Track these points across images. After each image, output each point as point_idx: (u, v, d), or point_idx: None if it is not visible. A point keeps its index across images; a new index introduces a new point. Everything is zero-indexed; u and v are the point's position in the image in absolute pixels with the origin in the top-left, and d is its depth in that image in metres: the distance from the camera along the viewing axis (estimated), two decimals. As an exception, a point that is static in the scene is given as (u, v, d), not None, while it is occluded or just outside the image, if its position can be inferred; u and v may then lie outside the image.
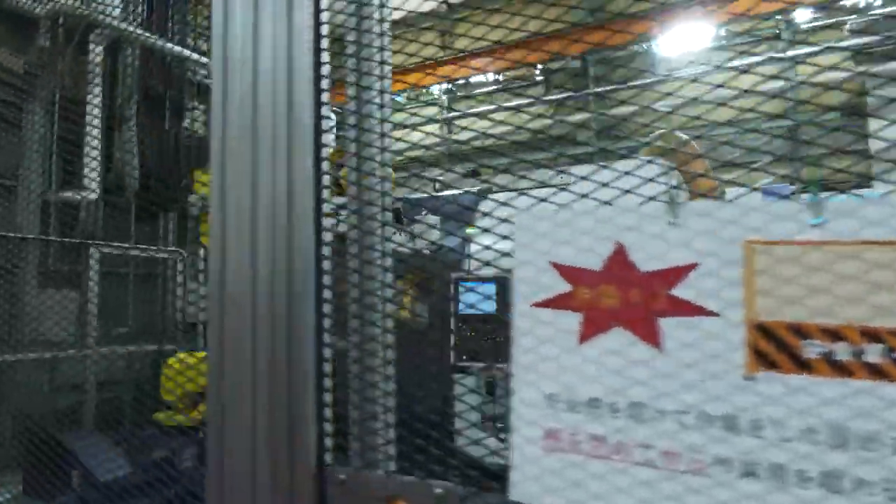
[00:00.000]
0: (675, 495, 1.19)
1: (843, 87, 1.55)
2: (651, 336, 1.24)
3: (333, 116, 1.90)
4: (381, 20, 1.92)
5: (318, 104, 1.65)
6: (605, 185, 1.38)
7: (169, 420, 5.68)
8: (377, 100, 1.90)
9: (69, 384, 7.41)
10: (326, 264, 1.62)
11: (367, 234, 1.83)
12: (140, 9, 9.07)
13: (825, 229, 1.12)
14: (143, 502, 4.67)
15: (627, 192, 1.36)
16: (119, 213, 8.81)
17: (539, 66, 15.94)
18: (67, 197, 8.17)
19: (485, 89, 17.12)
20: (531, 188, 1.76)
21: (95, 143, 8.11)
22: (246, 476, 1.60)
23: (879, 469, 1.06)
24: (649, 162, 1.41)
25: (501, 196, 1.57)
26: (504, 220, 1.53)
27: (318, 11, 1.67)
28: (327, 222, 1.64)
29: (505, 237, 1.57)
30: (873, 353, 1.07)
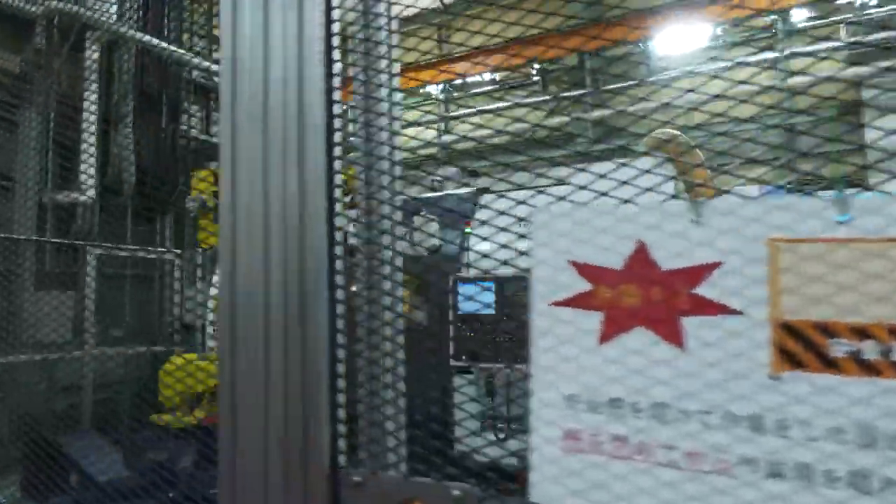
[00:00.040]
0: (700, 496, 1.18)
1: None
2: (673, 335, 1.23)
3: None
4: (389, 16, 1.90)
5: (330, 103, 1.63)
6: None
7: (176, 422, 5.66)
8: (385, 97, 1.89)
9: (66, 386, 7.39)
10: (339, 264, 1.60)
11: (375, 231, 1.81)
12: (136, 9, 9.04)
13: (851, 226, 1.11)
14: (140, 504, 4.66)
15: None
16: (115, 215, 8.78)
17: (537, 66, 15.95)
18: (64, 198, 8.13)
19: (482, 89, 17.12)
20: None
21: (91, 144, 8.08)
22: (258, 477, 1.58)
23: (908, 469, 1.05)
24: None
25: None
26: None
27: (329, 9, 1.66)
28: (340, 221, 1.62)
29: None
30: (902, 352, 1.06)
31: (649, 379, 1.24)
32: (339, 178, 1.62)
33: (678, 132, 6.68)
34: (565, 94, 15.36)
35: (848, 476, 1.08)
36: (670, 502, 1.21)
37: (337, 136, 1.63)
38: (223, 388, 1.66)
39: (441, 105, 17.39)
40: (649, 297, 1.25)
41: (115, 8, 8.61)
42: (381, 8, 1.85)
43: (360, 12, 1.86)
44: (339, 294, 1.60)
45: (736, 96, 1.45)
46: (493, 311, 6.21)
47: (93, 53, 8.33)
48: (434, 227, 7.17)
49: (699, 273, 1.21)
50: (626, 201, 1.34)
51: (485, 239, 1.69)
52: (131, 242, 8.75)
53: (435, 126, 16.83)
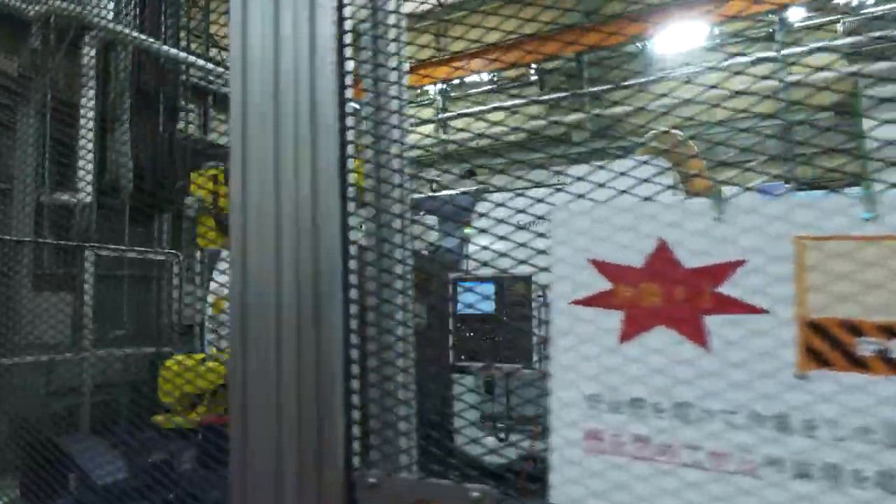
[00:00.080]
0: (725, 496, 1.17)
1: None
2: (697, 334, 1.21)
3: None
4: (398, 12, 1.88)
5: (342, 102, 1.62)
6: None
7: (167, 422, 5.64)
8: (394, 94, 1.87)
9: (66, 387, 7.36)
10: (353, 264, 1.59)
11: (385, 229, 1.79)
12: (133, 10, 9.02)
13: (879, 223, 1.09)
14: (140, 506, 4.64)
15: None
16: (113, 216, 8.76)
17: (534, 66, 15.95)
18: (61, 199, 8.11)
19: (480, 89, 17.12)
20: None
21: (89, 145, 8.05)
22: (271, 478, 1.57)
23: (938, 468, 1.04)
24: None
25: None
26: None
27: (341, 7, 1.64)
28: (354, 221, 1.60)
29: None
30: (931, 350, 1.05)
31: (672, 378, 1.23)
32: (352, 177, 1.61)
33: (675, 130, 6.69)
34: (564, 94, 15.36)
35: (876, 476, 1.07)
36: (694, 503, 1.19)
37: (350, 135, 1.61)
38: (234, 388, 1.64)
39: (444, 102, 17.39)
40: (671, 296, 1.24)
41: (111, 6, 8.59)
42: (391, 5, 1.84)
43: (369, 10, 1.85)
44: (353, 294, 1.58)
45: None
46: (492, 311, 6.20)
47: (90, 53, 8.31)
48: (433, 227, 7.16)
49: (723, 271, 1.20)
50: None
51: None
52: (129, 243, 8.72)
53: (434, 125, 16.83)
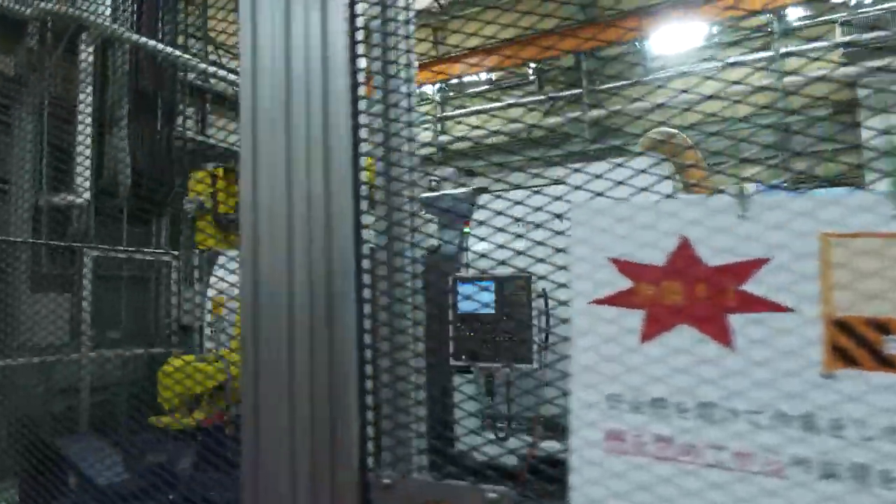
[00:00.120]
0: (750, 497, 1.15)
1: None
2: (720, 333, 1.20)
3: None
4: (407, 8, 1.87)
5: (355, 101, 1.60)
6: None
7: (173, 423, 5.62)
8: (404, 91, 1.85)
9: (63, 388, 7.34)
10: (367, 263, 1.57)
11: (395, 227, 1.77)
12: (130, 9, 8.99)
13: (905, 220, 1.08)
14: (139, 507, 4.62)
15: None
16: (111, 217, 8.73)
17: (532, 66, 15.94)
18: (59, 200, 8.08)
19: (478, 89, 17.11)
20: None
21: (86, 145, 8.03)
22: (284, 478, 1.55)
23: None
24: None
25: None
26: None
27: (353, 3, 1.63)
28: (367, 219, 1.59)
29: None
30: (959, 349, 1.04)
31: (695, 378, 1.21)
32: (364, 175, 1.60)
33: (674, 130, 6.68)
34: (564, 94, 15.35)
35: (905, 476, 1.06)
36: (718, 504, 1.18)
37: (363, 133, 1.60)
38: (246, 389, 1.63)
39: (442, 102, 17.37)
40: (694, 294, 1.22)
41: (108, 4, 8.55)
42: (402, 2, 1.82)
43: (379, 6, 1.83)
44: (367, 294, 1.57)
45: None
46: (492, 311, 6.18)
47: (87, 53, 8.28)
48: (433, 227, 7.14)
49: (746, 269, 1.18)
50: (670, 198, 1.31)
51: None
52: (127, 244, 8.70)
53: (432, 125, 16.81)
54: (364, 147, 1.60)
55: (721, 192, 1.25)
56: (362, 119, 1.62)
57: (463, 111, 16.25)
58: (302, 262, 1.57)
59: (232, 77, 9.82)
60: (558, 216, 1.49)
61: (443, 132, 16.74)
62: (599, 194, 1.39)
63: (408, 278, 1.74)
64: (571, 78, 15.63)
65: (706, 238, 1.22)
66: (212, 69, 9.83)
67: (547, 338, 5.63)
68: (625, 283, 1.30)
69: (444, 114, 17.05)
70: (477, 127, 13.37)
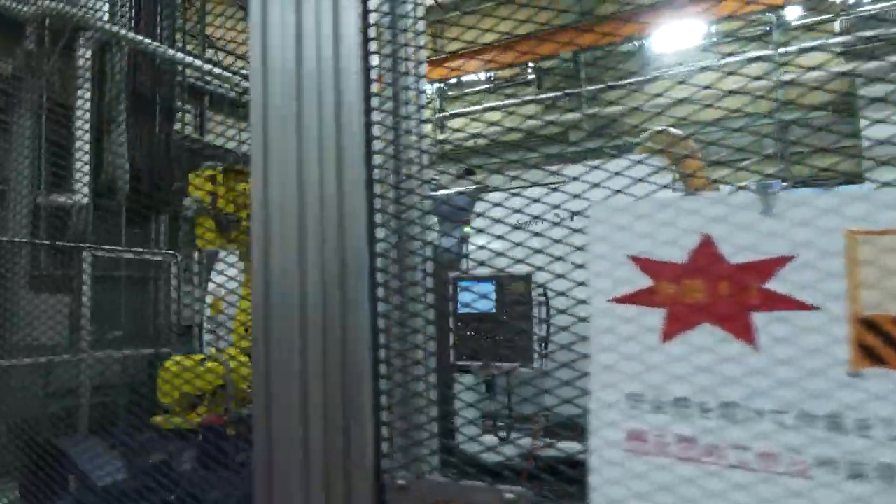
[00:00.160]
0: (774, 498, 1.14)
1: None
2: (743, 332, 1.18)
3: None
4: (417, 4, 1.85)
5: (368, 101, 1.59)
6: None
7: (166, 423, 5.60)
8: (413, 88, 1.83)
9: (64, 389, 7.31)
10: (380, 262, 1.56)
11: (406, 225, 1.75)
12: (128, 10, 8.96)
13: (935, 217, 1.07)
14: (140, 507, 4.60)
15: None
16: (110, 217, 8.71)
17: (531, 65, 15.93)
18: (58, 201, 8.05)
19: (477, 88, 17.10)
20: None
21: (85, 146, 8.00)
22: (297, 478, 1.54)
23: None
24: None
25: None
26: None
27: (365, 5, 1.61)
28: (380, 218, 1.57)
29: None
30: None
31: (718, 377, 1.20)
32: (378, 173, 1.58)
33: (675, 129, 6.67)
34: (567, 92, 15.35)
35: (934, 476, 1.04)
36: (742, 505, 1.16)
37: (376, 130, 1.58)
38: (258, 389, 1.61)
39: (441, 102, 17.34)
40: (716, 292, 1.21)
41: (105, 7, 8.53)
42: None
43: (389, 3, 1.81)
44: (381, 293, 1.55)
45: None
46: (493, 310, 6.17)
47: (85, 54, 8.25)
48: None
49: (770, 267, 1.17)
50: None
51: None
52: (126, 244, 8.67)
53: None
54: (377, 145, 1.58)
55: (742, 187, 1.24)
56: (374, 116, 1.60)
57: (462, 111, 16.24)
58: (315, 261, 1.55)
59: (231, 77, 9.80)
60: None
61: (441, 132, 16.73)
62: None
63: (420, 277, 1.72)
64: (571, 82, 15.63)
65: (728, 235, 1.21)
66: (210, 68, 9.81)
67: (548, 337, 5.62)
68: (645, 282, 1.28)
69: (444, 113, 17.03)
70: (477, 130, 13.35)
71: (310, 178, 1.59)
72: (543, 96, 15.51)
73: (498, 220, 1.55)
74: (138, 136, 9.03)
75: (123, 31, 8.48)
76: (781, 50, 12.93)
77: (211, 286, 7.39)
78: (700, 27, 13.51)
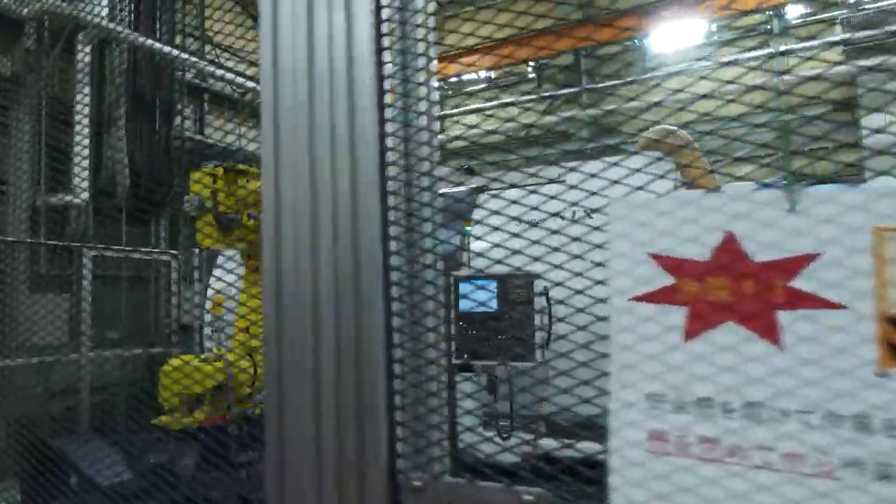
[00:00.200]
0: (800, 499, 1.12)
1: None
2: (768, 331, 1.16)
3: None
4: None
5: (381, 102, 1.57)
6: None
7: (176, 424, 5.58)
8: (423, 86, 1.81)
9: (63, 388, 7.29)
10: (395, 260, 1.54)
11: (420, 224, 1.73)
12: (127, 8, 8.94)
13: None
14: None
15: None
16: (110, 217, 8.69)
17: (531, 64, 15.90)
18: (57, 200, 8.03)
19: (477, 87, 17.07)
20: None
21: (84, 145, 7.98)
22: (310, 480, 1.52)
23: None
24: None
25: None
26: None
27: (378, 7, 1.59)
28: (394, 215, 1.55)
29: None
30: None
31: (741, 377, 1.18)
32: (392, 171, 1.56)
33: (673, 127, 6.66)
34: (564, 91, 15.33)
35: (965, 477, 1.03)
36: (767, 506, 1.14)
37: (389, 127, 1.56)
38: (270, 389, 1.60)
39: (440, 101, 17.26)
40: (740, 291, 1.19)
41: (105, 4, 8.51)
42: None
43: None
44: (396, 291, 1.53)
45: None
46: (494, 310, 6.15)
47: (84, 53, 8.22)
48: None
49: (796, 264, 1.15)
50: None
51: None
52: (126, 244, 8.65)
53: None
54: (390, 142, 1.57)
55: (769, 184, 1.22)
56: (388, 113, 1.58)
57: (461, 110, 16.20)
58: (328, 261, 1.54)
59: (231, 76, 9.78)
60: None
61: (441, 130, 16.67)
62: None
63: (432, 276, 1.70)
64: (570, 77, 15.60)
65: (752, 233, 1.19)
66: (210, 68, 9.79)
67: (549, 335, 5.61)
68: (666, 279, 1.26)
69: (442, 112, 16.99)
70: (474, 126, 13.32)
71: (322, 177, 1.57)
72: (544, 95, 15.47)
73: (516, 218, 1.53)
74: (138, 136, 9.01)
75: (122, 30, 8.45)
76: (782, 48, 12.90)
77: (211, 286, 7.38)
78: (700, 26, 13.49)
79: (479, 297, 5.52)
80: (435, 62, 1.83)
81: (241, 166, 5.29)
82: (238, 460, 4.94)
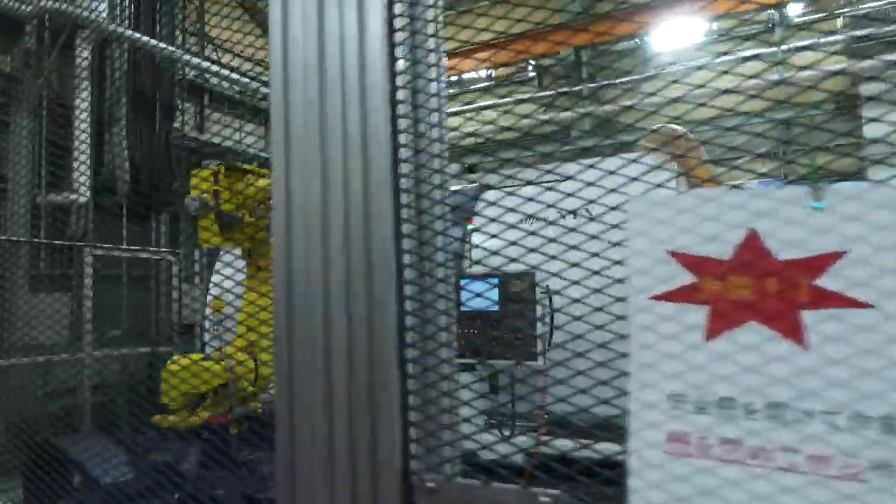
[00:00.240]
0: (826, 502, 1.10)
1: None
2: (792, 330, 1.14)
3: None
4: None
5: (394, 95, 1.55)
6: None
7: (181, 422, 5.57)
8: (433, 84, 1.79)
9: (64, 388, 7.27)
10: (408, 258, 1.52)
11: (432, 222, 1.71)
12: (127, 7, 8.92)
13: None
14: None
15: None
16: (110, 216, 8.67)
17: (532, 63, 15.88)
18: (57, 200, 8.01)
19: (477, 86, 17.05)
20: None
21: (85, 144, 7.96)
22: (321, 481, 1.50)
23: None
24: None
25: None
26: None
27: (391, 6, 1.57)
28: (406, 213, 1.53)
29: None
30: None
31: (765, 377, 1.16)
32: (405, 168, 1.54)
33: (676, 126, 6.64)
34: (564, 90, 15.31)
35: None
36: (791, 509, 1.12)
37: (402, 123, 1.54)
38: (280, 389, 1.58)
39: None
40: (763, 289, 1.17)
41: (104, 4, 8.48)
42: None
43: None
44: (409, 290, 1.51)
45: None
46: (496, 308, 6.13)
47: (84, 52, 8.20)
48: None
49: (821, 263, 1.13)
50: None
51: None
52: (127, 243, 8.63)
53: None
54: (403, 138, 1.54)
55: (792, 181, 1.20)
56: (402, 109, 1.56)
57: (461, 108, 16.19)
58: (339, 261, 1.52)
59: (230, 75, 9.76)
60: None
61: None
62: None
63: (443, 274, 1.68)
64: (573, 77, 15.58)
65: (775, 230, 1.17)
66: (209, 66, 9.77)
67: (551, 335, 5.59)
68: (686, 278, 1.24)
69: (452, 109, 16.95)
70: (474, 128, 13.29)
71: (334, 178, 1.55)
72: (544, 94, 15.47)
73: (531, 216, 1.51)
74: (138, 134, 8.98)
75: (122, 29, 8.43)
76: (784, 47, 12.89)
77: (212, 286, 7.36)
78: (700, 26, 13.47)
79: (484, 296, 5.50)
80: (445, 58, 1.81)
81: (243, 165, 5.27)
82: (240, 459, 4.93)
